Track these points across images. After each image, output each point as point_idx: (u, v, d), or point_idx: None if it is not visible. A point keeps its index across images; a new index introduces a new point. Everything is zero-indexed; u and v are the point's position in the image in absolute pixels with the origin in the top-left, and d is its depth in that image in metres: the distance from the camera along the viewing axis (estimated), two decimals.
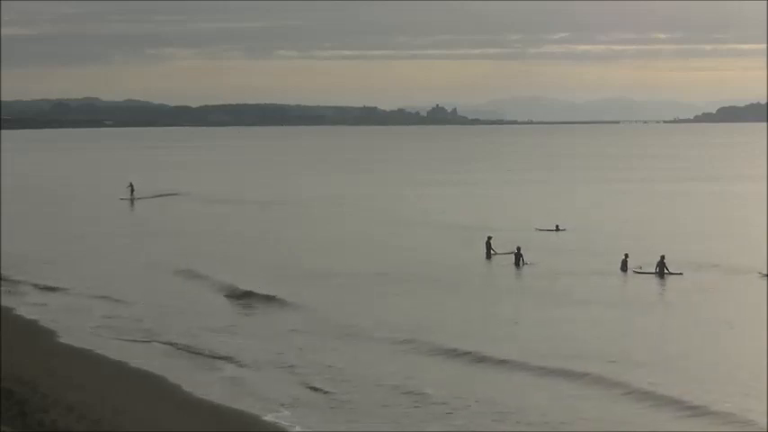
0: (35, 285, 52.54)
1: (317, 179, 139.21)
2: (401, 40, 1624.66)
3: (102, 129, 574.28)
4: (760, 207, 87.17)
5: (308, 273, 55.98)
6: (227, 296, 49.15)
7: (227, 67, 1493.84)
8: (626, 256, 55.03)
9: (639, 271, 53.98)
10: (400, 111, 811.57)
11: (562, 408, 30.16)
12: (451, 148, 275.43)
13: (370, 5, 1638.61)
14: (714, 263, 56.75)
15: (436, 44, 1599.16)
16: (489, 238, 61.23)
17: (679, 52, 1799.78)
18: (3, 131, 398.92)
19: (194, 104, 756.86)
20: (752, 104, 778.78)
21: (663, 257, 53.50)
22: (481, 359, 35.88)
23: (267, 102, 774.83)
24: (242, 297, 48.53)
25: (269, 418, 29.36)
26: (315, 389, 32.37)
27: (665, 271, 53.10)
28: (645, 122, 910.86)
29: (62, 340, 39.69)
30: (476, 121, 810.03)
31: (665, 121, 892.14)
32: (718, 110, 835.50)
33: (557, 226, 73.13)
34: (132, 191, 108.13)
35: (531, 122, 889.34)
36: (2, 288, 51.18)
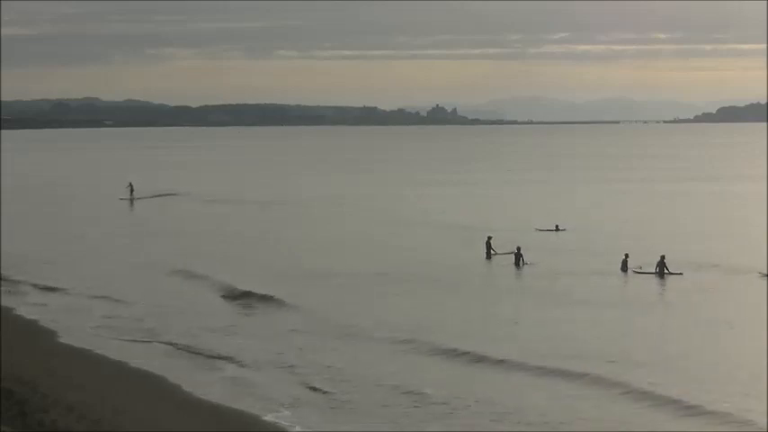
0: (35, 285, 52.55)
1: (317, 179, 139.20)
2: (401, 40, 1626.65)
3: (102, 129, 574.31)
4: (760, 207, 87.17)
5: (307, 273, 55.98)
6: (226, 296, 49.15)
7: (227, 67, 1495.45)
8: (626, 255, 55.02)
9: (639, 271, 53.97)
10: (400, 111, 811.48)
11: (562, 408, 30.17)
12: (451, 148, 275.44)
13: (370, 5, 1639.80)
14: (714, 263, 56.75)
15: (436, 44, 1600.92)
16: (489, 238, 61.23)
17: (679, 52, 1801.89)
18: (3, 131, 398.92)
19: (194, 104, 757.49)
20: (752, 104, 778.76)
21: (663, 257, 53.50)
22: (481, 359, 35.88)
23: (267, 102, 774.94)
24: (242, 297, 48.54)
25: (269, 418, 29.37)
26: (315, 389, 32.37)
27: (665, 271, 53.11)
28: (645, 122, 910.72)
29: (62, 340, 39.70)
30: (476, 121, 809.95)
31: (665, 121, 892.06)
32: (718, 110, 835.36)
33: (556, 226, 73.13)
34: (132, 191, 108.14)
35: (531, 122, 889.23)
36: (2, 288, 51.18)
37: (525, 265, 56.78)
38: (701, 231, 74.41)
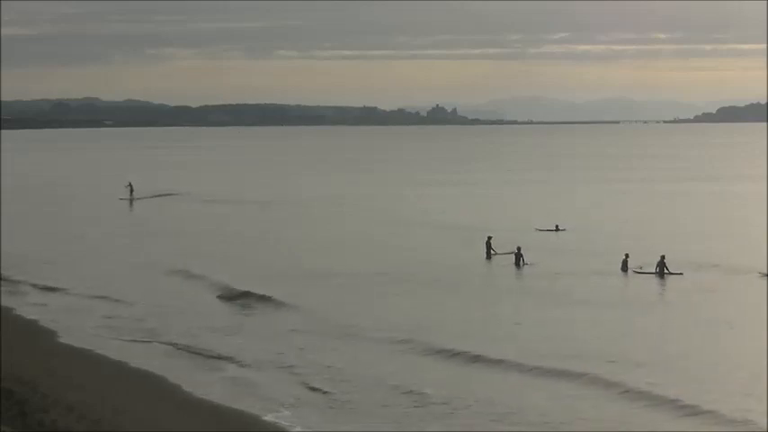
0: (35, 285, 52.55)
1: (317, 179, 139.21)
2: (401, 40, 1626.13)
3: (102, 129, 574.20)
4: (760, 207, 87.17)
5: (307, 273, 55.98)
6: (226, 296, 49.13)
7: (227, 67, 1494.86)
8: (626, 255, 55.01)
9: (639, 271, 53.98)
10: (400, 111, 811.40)
11: (562, 408, 30.17)
12: (451, 148, 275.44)
13: (370, 5, 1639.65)
14: (714, 263, 56.74)
15: (436, 44, 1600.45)
16: (489, 238, 61.22)
17: (679, 52, 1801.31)
18: (3, 131, 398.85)
19: (194, 104, 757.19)
20: (752, 104, 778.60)
21: (663, 257, 53.50)
22: (481, 359, 35.86)
23: (267, 102, 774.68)
24: (241, 297, 48.53)
25: (269, 418, 29.38)
26: (315, 389, 32.38)
27: (666, 271, 53.11)
28: (645, 122, 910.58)
29: (62, 340, 39.70)
30: (476, 121, 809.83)
31: (665, 121, 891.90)
32: (718, 110, 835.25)
33: (556, 226, 73.13)
34: (131, 191, 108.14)
35: (531, 122, 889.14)
36: (2, 288, 51.18)
37: (525, 265, 56.77)
38: (701, 231, 74.42)
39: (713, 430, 28.25)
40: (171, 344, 39.02)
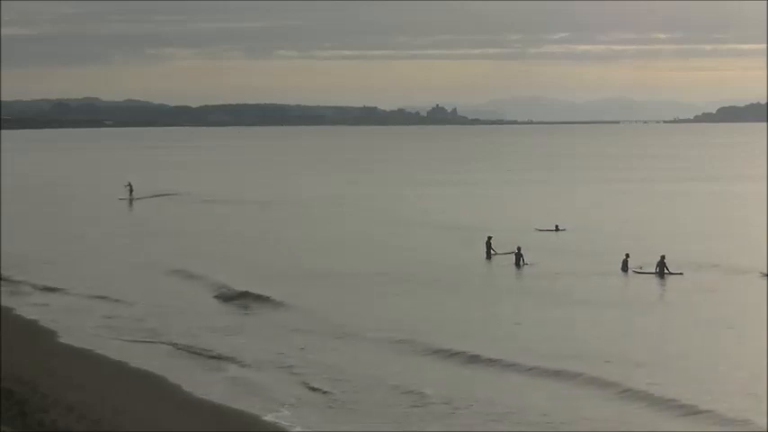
0: (35, 286, 52.53)
1: (317, 179, 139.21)
2: (401, 40, 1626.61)
3: (102, 129, 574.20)
4: (760, 207, 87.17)
5: (307, 273, 55.99)
6: (226, 296, 49.11)
7: (227, 67, 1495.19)
8: (627, 256, 55.01)
9: (640, 271, 53.98)
10: (400, 111, 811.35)
11: (562, 408, 30.17)
12: (451, 148, 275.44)
13: (370, 5, 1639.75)
14: (714, 263, 56.75)
15: (436, 44, 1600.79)
16: (489, 238, 61.23)
17: (679, 52, 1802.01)
18: (3, 131, 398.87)
19: (194, 104, 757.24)
20: (752, 104, 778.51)
21: (663, 257, 53.50)
22: (481, 359, 35.84)
23: (267, 102, 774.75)
24: (241, 297, 48.51)
25: (269, 418, 29.38)
26: (315, 389, 32.38)
27: (666, 271, 53.11)
28: (645, 122, 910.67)
29: (62, 340, 39.70)
30: (476, 121, 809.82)
31: (665, 121, 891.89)
32: (718, 110, 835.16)
33: (556, 226, 73.12)
34: (131, 191, 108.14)
35: (531, 122, 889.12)
36: (2, 288, 51.18)
37: (525, 265, 56.76)
38: (701, 231, 74.42)
39: (713, 430, 28.25)
40: (171, 344, 39.01)
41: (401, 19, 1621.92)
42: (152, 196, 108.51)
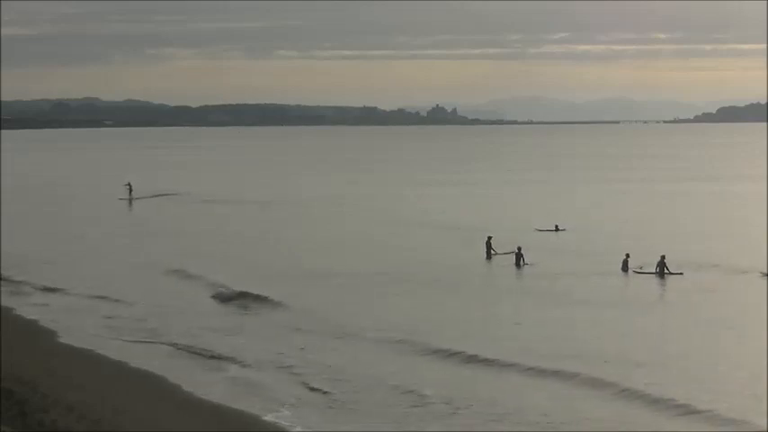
0: (35, 286, 52.53)
1: (317, 179, 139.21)
2: (401, 40, 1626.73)
3: (102, 129, 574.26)
4: (760, 207, 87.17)
5: (307, 273, 55.99)
6: (226, 296, 49.11)
7: (227, 67, 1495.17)
8: (627, 256, 55.01)
9: (640, 271, 53.98)
10: (400, 111, 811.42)
11: (562, 408, 30.17)
12: (451, 148, 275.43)
13: (370, 5, 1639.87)
14: (714, 263, 56.75)
15: (436, 44, 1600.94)
16: (489, 238, 61.23)
17: (679, 52, 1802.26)
18: (3, 131, 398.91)
19: (194, 104, 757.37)
20: (752, 104, 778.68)
21: (663, 257, 53.50)
22: (481, 359, 35.84)
23: (267, 102, 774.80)
24: (241, 297, 48.50)
25: (269, 418, 29.38)
26: (315, 389, 32.38)
27: (666, 271, 53.11)
28: (645, 122, 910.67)
29: (62, 340, 39.70)
30: (476, 121, 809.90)
31: (665, 121, 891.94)
32: (718, 110, 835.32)
33: (556, 226, 73.12)
34: (131, 191, 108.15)
35: (531, 122, 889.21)
36: (2, 288, 51.18)
37: (525, 265, 56.77)
38: (701, 231, 74.42)
39: (713, 430, 28.24)
40: (171, 344, 39.01)
41: (401, 19, 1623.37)
42: (152, 196, 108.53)
